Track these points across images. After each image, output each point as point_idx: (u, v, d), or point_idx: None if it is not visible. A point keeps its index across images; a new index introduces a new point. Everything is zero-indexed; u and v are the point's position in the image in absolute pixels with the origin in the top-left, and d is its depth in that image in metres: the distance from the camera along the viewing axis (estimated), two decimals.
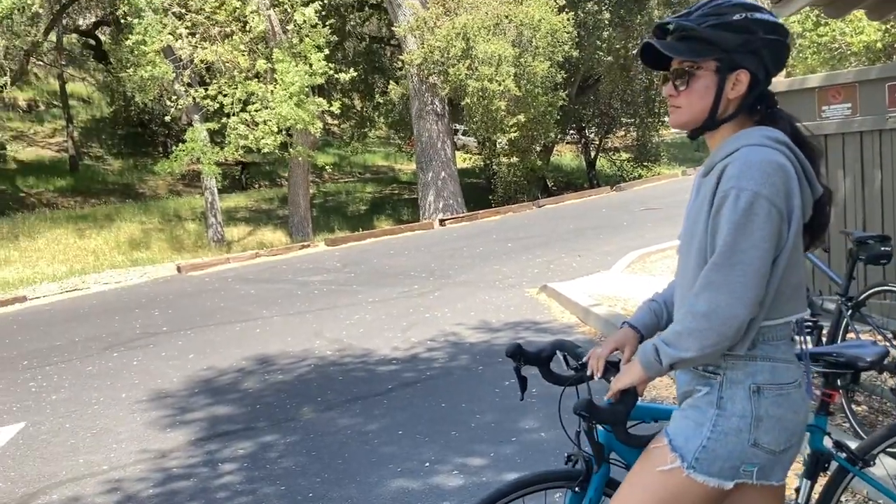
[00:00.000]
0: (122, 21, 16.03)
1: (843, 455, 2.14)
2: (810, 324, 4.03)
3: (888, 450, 2.22)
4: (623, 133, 24.08)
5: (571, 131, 24.04)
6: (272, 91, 14.66)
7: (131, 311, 9.63)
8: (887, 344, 3.89)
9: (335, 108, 15.85)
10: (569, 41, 17.59)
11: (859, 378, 2.14)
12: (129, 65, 15.52)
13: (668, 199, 15.81)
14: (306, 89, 14.62)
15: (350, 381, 5.94)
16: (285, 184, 20.53)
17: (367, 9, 22.59)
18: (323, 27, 15.68)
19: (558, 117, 18.62)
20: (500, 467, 4.05)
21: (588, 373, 2.05)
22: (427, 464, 4.19)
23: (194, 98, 15.31)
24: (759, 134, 1.82)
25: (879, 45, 17.05)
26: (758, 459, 1.80)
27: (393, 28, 18.48)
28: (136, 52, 14.92)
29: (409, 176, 24.83)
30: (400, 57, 18.44)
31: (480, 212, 17.95)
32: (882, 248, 3.85)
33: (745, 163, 1.75)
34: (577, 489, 2.07)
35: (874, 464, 2.17)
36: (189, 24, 15.51)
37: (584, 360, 2.09)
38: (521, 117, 16.82)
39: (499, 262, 10.82)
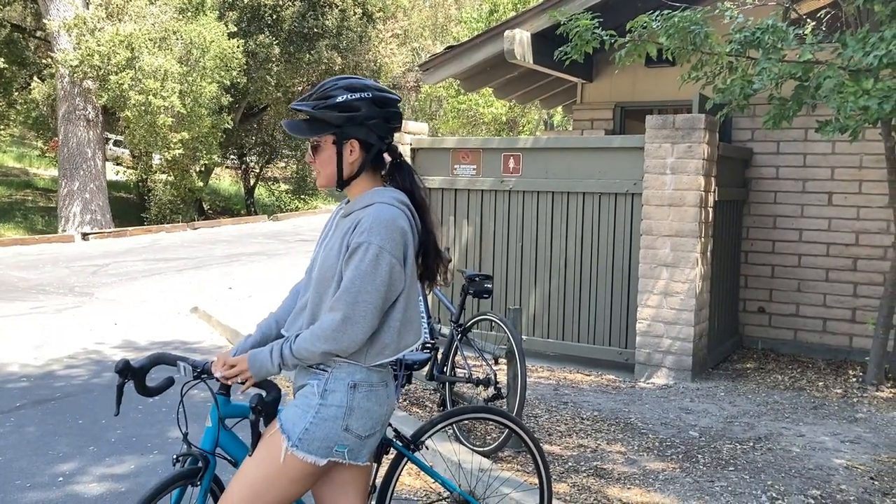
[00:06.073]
0: None
1: (400, 442, 2.68)
2: (430, 345, 4.81)
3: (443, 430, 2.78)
4: (284, 165, 24.65)
5: (232, 156, 23.99)
6: None
7: None
8: (484, 363, 4.78)
9: None
10: (237, 67, 17.73)
11: (412, 377, 2.65)
12: None
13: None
14: None
15: None
16: None
17: None
18: None
19: (222, 139, 18.56)
20: (141, 478, 4.12)
21: (217, 377, 2.35)
22: (61, 478, 4.10)
23: None
24: (390, 195, 2.30)
25: (504, 117, 20.00)
26: (348, 442, 2.25)
27: (44, 21, 16.93)
28: None
29: (48, 182, 22.61)
30: (50, 54, 16.95)
31: (130, 229, 17.08)
32: (485, 285, 4.77)
33: (375, 219, 2.21)
34: (198, 483, 2.35)
35: (425, 448, 2.75)
36: None
37: (201, 369, 2.40)
38: (186, 134, 16.47)
39: (148, 282, 10.52)
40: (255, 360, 2.28)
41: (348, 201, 2.39)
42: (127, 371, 2.38)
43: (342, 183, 2.34)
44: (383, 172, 2.38)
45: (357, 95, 2.28)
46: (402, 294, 2.28)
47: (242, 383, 2.30)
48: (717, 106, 6.02)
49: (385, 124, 2.33)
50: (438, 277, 2.47)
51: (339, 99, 2.26)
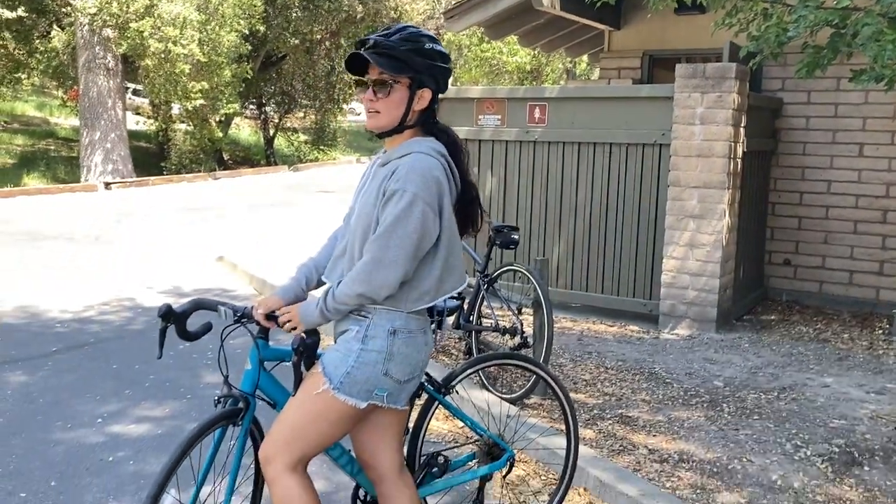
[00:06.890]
0: None
1: (432, 387, 2.72)
2: (457, 294, 4.84)
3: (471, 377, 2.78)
4: (303, 114, 24.53)
5: (252, 106, 23.91)
6: None
7: None
8: (511, 313, 4.82)
9: None
10: (256, 15, 17.55)
11: (443, 323, 2.68)
12: None
13: (342, 182, 16.62)
14: None
15: (7, 343, 5.57)
16: None
17: None
18: None
19: (241, 89, 18.48)
20: (177, 420, 4.23)
21: (255, 321, 2.41)
22: (100, 420, 4.22)
23: None
24: (428, 145, 2.31)
25: (528, 67, 19.74)
26: (387, 386, 2.31)
27: None
28: None
29: (69, 131, 22.69)
30: (69, 2, 16.84)
31: (152, 178, 17.18)
32: (512, 236, 4.77)
33: (412, 168, 2.22)
34: (239, 423, 2.42)
35: (456, 392, 2.80)
36: None
37: (242, 313, 2.45)
38: (206, 84, 16.41)
39: (173, 231, 10.62)
40: (304, 311, 2.34)
41: (385, 151, 2.40)
42: (170, 315, 2.42)
43: (399, 128, 2.33)
44: (425, 129, 2.39)
45: (438, 48, 2.32)
46: (441, 242, 2.30)
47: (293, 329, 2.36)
48: (749, 54, 5.90)
49: (445, 82, 2.38)
50: (479, 224, 2.49)
51: (427, 46, 2.29)
